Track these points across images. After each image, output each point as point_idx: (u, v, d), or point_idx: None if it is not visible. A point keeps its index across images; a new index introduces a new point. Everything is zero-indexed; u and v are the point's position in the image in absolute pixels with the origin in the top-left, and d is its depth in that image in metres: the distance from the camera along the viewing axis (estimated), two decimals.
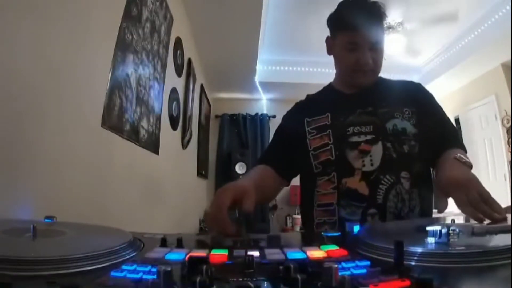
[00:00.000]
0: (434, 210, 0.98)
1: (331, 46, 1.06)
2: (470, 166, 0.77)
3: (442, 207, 0.68)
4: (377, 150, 0.94)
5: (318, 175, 0.99)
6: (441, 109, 1.04)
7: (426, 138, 0.96)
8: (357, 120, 0.98)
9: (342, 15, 1.01)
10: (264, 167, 1.01)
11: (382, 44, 0.99)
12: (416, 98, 1.02)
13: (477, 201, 0.63)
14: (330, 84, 1.13)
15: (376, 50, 0.97)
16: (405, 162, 0.94)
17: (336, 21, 1.03)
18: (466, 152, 0.93)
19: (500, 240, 0.43)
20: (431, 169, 1.01)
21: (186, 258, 0.39)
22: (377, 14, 0.97)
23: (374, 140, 0.95)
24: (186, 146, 3.03)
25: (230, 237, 0.63)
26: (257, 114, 5.17)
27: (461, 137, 1.06)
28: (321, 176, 0.98)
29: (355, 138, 0.96)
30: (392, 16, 3.52)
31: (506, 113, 3.87)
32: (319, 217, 0.98)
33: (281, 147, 1.07)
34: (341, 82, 1.09)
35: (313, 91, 1.16)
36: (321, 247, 0.49)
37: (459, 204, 0.65)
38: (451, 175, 0.72)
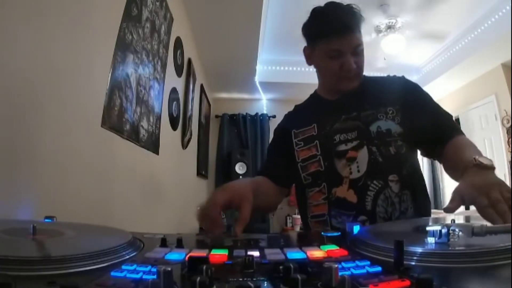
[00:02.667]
0: (439, 211, 0.97)
1: (310, 55, 1.03)
2: (492, 167, 0.71)
3: (450, 210, 0.65)
4: (362, 156, 0.93)
5: (308, 187, 0.99)
6: (430, 97, 1.01)
7: (419, 131, 0.94)
8: (342, 127, 0.98)
9: (319, 23, 0.98)
10: (261, 177, 1.02)
11: (362, 47, 0.97)
12: (401, 93, 0.99)
13: (498, 200, 0.58)
14: (315, 92, 1.12)
15: (358, 54, 0.96)
16: (393, 165, 0.93)
17: (313, 30, 0.99)
18: (464, 135, 0.92)
19: (500, 240, 0.43)
20: (434, 159, 0.99)
21: (186, 258, 0.39)
22: (354, 17, 0.95)
23: (359, 145, 0.94)
24: (186, 146, 3.03)
25: (216, 235, 0.63)
26: (257, 114, 5.17)
27: (455, 122, 1.01)
28: (311, 188, 0.99)
29: (342, 147, 0.96)
30: (392, 16, 3.53)
31: (506, 113, 3.87)
32: (314, 227, 0.99)
33: (275, 160, 1.08)
34: (325, 89, 1.08)
35: (313, 91, 1.15)
36: (321, 247, 0.49)
37: (480, 207, 0.60)
38: (475, 183, 0.67)
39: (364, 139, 0.94)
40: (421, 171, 1.02)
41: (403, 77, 1.06)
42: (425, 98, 1.00)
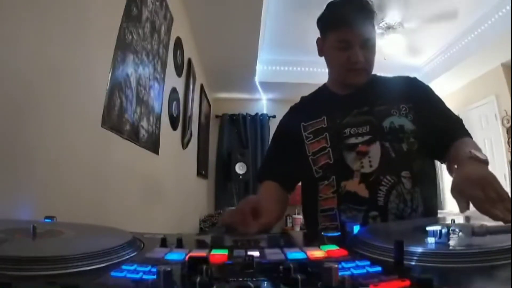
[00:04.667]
0: (439, 210, 0.97)
1: (322, 46, 1.04)
2: (486, 162, 0.73)
3: (463, 209, 0.65)
4: (375, 151, 0.92)
5: (319, 180, 0.98)
6: (440, 100, 1.01)
7: (428, 132, 0.94)
8: (353, 121, 0.97)
9: (331, 14, 1.00)
10: (270, 185, 1.02)
11: (373, 42, 0.97)
12: (412, 93, 1.00)
13: (494, 199, 0.61)
14: (324, 85, 1.12)
15: (367, 48, 0.96)
16: (405, 161, 0.92)
17: (325, 21, 1.02)
18: (471, 138, 0.93)
19: (500, 240, 0.43)
20: (441, 163, 0.99)
21: (186, 258, 0.39)
22: (366, 11, 0.96)
23: (372, 140, 0.93)
24: (186, 146, 3.03)
25: (246, 233, 0.65)
26: (257, 114, 5.17)
27: (464, 125, 1.00)
28: (321, 181, 0.97)
29: (352, 140, 0.95)
30: (391, 15, 3.53)
31: (506, 113, 3.87)
32: (323, 222, 0.97)
33: (281, 157, 1.06)
34: (334, 83, 1.07)
35: (313, 91, 1.15)
36: (321, 247, 0.49)
37: (475, 202, 0.62)
38: (467, 174, 0.70)
39: (377, 134, 0.94)
40: (433, 170, 1.01)
41: (415, 78, 1.07)
42: (437, 100, 1.01)
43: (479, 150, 0.80)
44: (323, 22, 1.03)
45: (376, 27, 1.03)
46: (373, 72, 1.03)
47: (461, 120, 1.00)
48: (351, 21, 0.93)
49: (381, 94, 0.99)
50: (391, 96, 0.99)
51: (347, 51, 0.95)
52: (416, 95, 0.99)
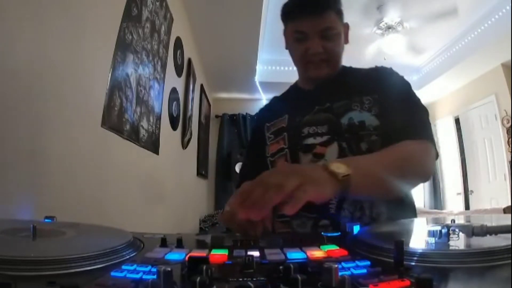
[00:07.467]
0: (439, 211, 0.92)
1: (286, 39, 0.95)
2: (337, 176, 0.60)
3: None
4: (332, 152, 0.82)
5: None
6: (410, 93, 0.86)
7: (387, 128, 0.81)
8: (312, 119, 0.88)
9: (287, 3, 0.90)
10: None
11: (335, 30, 0.86)
12: (379, 83, 0.86)
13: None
14: (295, 82, 1.04)
15: (328, 38, 0.86)
16: None
17: (282, 11, 0.92)
18: (433, 142, 0.78)
19: (500, 240, 0.43)
20: None
21: (186, 258, 0.39)
22: None
23: (330, 140, 0.84)
24: (186, 146, 3.03)
25: (252, 236, 0.60)
26: None
27: (430, 129, 0.81)
28: None
29: (310, 140, 0.86)
30: (391, 15, 3.53)
31: (506, 113, 3.87)
32: (278, 229, 0.86)
33: (252, 161, 1.00)
34: (300, 78, 1.00)
35: None
36: (321, 247, 0.49)
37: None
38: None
39: (335, 133, 0.84)
40: None
41: (388, 68, 0.93)
42: (404, 92, 0.87)
43: (419, 159, 0.70)
44: (281, 12, 0.93)
45: (343, 17, 0.90)
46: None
47: (425, 122, 0.82)
48: (306, 10, 0.84)
49: (345, 88, 0.89)
50: (355, 88, 0.88)
51: (304, 43, 0.87)
52: (383, 85, 0.86)
